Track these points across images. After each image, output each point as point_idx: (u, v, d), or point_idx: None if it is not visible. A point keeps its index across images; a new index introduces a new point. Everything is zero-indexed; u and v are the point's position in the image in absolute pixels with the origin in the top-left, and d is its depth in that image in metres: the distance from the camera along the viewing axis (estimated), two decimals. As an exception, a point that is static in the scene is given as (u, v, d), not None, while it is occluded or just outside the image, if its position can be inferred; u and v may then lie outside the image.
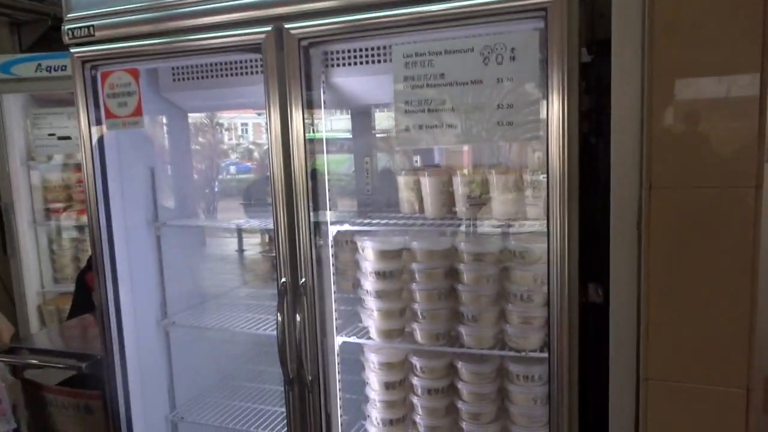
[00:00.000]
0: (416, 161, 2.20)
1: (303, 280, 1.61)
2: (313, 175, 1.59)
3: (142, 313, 1.99)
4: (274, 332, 1.63)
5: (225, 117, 2.63)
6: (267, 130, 1.55)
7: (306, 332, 1.63)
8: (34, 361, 1.97)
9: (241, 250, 2.46)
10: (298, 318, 1.61)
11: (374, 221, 1.79)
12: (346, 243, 2.05)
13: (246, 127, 2.92)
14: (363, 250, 1.74)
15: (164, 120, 2.08)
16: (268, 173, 1.58)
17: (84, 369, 1.87)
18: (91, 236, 1.83)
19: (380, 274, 1.69)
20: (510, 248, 1.61)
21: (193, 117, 2.27)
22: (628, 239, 1.30)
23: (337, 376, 1.73)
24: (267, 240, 2.37)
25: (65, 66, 3.02)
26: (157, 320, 2.07)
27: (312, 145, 1.56)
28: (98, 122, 1.79)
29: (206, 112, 2.27)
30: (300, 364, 1.63)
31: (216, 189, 2.48)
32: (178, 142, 2.21)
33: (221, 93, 1.86)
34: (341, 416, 1.76)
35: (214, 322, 2.06)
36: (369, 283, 1.71)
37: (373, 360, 1.76)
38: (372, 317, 1.73)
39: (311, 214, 1.58)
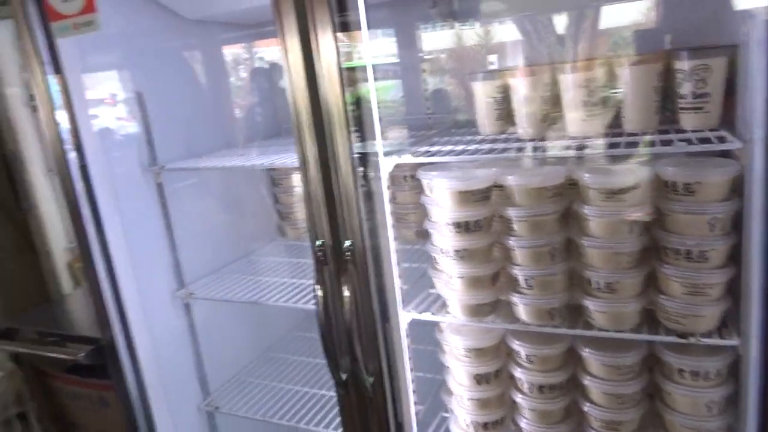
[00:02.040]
0: (492, 64, 1.60)
1: (349, 242, 1.10)
2: (357, 103, 1.05)
3: (150, 285, 1.55)
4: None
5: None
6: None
7: (359, 312, 1.13)
8: (21, 349, 1.58)
9: (274, 197, 1.96)
10: (346, 293, 1.12)
11: (446, 148, 1.23)
12: (405, 179, 1.52)
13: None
14: (432, 191, 1.20)
15: (153, 29, 1.53)
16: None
17: (82, 358, 1.46)
18: (63, 191, 1.36)
19: (461, 226, 1.15)
20: (666, 177, 1.02)
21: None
22: None
23: (408, 372, 1.24)
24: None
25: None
26: (172, 291, 1.62)
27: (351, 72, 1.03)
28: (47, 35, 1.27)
29: (211, 20, 1.69)
30: (354, 359, 1.14)
31: (235, 122, 1.95)
32: (177, 60, 1.68)
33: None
34: (416, 423, 1.28)
35: (242, 291, 1.60)
36: (445, 239, 1.18)
37: (456, 344, 1.26)
38: (451, 286, 1.21)
39: (353, 146, 1.04)
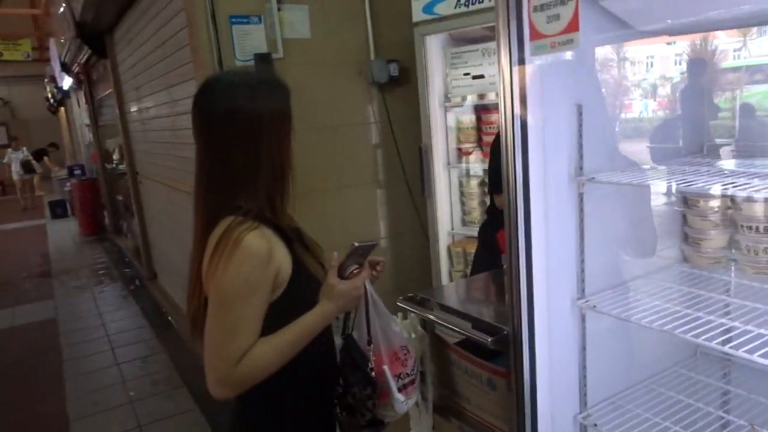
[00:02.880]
0: None
1: None
2: None
3: (555, 289, 1.61)
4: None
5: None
6: None
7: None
8: (442, 323, 1.83)
9: (683, 218, 1.81)
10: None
11: None
12: None
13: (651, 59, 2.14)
14: None
15: (600, 40, 1.56)
16: None
17: (490, 344, 1.61)
18: (506, 192, 1.51)
19: None
20: None
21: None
22: None
23: None
24: (728, 204, 1.66)
25: (483, -2, 2.80)
26: (572, 299, 1.65)
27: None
28: (520, 46, 1.41)
29: (666, 32, 1.63)
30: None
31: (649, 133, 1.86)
32: (612, 70, 1.68)
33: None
34: None
35: (643, 312, 1.52)
36: None
37: None
38: None
39: None
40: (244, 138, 1.32)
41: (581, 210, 1.62)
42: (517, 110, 1.43)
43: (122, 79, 5.89)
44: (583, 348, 1.70)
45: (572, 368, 1.71)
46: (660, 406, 1.72)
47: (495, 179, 2.63)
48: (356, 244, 1.33)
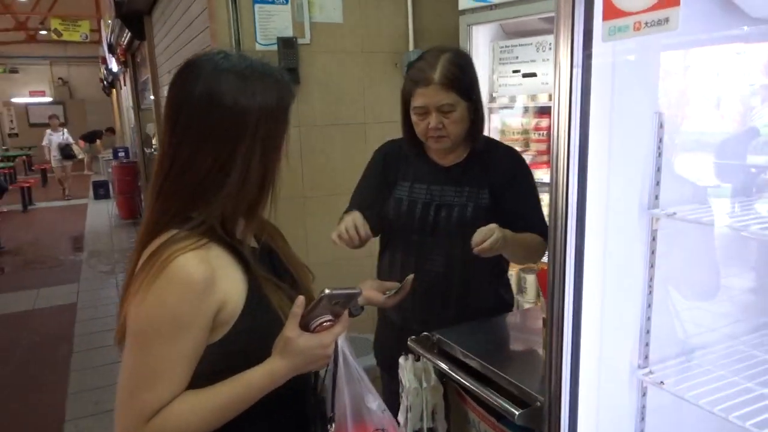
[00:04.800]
0: None
1: None
2: None
3: (609, 354, 1.22)
4: None
5: None
6: None
7: None
8: (459, 380, 1.46)
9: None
10: None
11: None
12: None
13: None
14: None
15: (700, 28, 1.16)
16: None
17: (517, 419, 1.24)
18: (552, 222, 1.13)
19: None
20: None
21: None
22: None
23: None
24: None
25: (541, -18, 2.40)
26: (632, 368, 1.26)
27: None
28: (587, 36, 1.03)
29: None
30: None
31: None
32: (707, 76, 1.27)
33: None
34: None
35: (734, 400, 1.12)
36: None
37: None
38: None
39: None
40: (219, 137, 1.01)
41: (652, 252, 1.22)
42: (576, 116, 1.06)
43: (158, 61, 5.72)
44: (641, 429, 1.30)
45: (624, 454, 1.31)
46: None
47: None
48: (327, 292, 0.97)
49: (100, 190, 12.31)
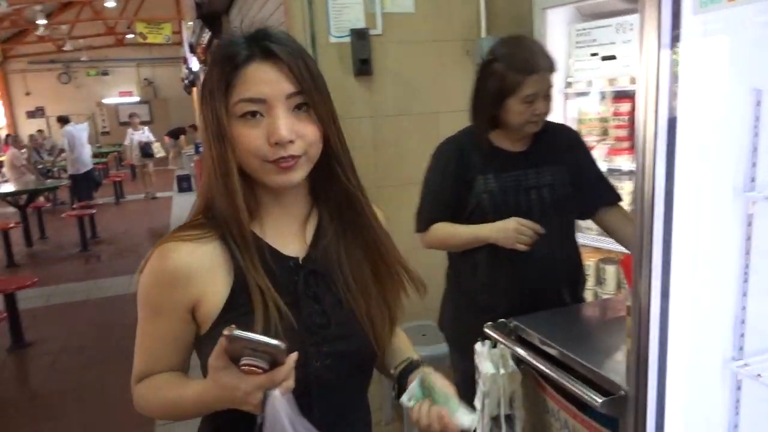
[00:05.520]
0: None
1: None
2: None
3: (700, 344, 1.17)
4: None
5: None
6: None
7: None
8: (539, 366, 1.45)
9: None
10: None
11: None
12: None
13: None
14: None
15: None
16: None
17: (600, 406, 1.22)
18: (638, 207, 1.10)
19: None
20: None
21: None
22: None
23: None
24: None
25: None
26: (724, 360, 1.20)
27: None
28: (675, 13, 0.99)
29: None
30: None
31: None
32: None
33: None
34: None
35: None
36: None
37: None
38: None
39: None
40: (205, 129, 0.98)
41: (748, 238, 1.16)
42: (665, 97, 1.02)
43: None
44: (735, 426, 1.24)
45: (716, 449, 1.26)
46: None
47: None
48: (226, 333, 0.78)
49: (184, 183, 12.97)
